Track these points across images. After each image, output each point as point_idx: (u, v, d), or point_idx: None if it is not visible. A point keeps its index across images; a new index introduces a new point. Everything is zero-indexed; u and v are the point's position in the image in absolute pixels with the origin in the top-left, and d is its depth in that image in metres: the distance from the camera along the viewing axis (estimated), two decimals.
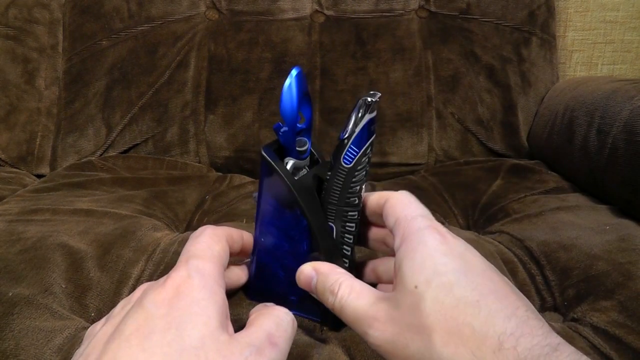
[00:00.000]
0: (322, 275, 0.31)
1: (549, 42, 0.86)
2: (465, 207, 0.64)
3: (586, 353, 0.36)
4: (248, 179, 0.78)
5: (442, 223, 0.59)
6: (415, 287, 0.26)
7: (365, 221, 0.36)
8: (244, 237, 0.36)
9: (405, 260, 0.27)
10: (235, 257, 0.36)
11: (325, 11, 0.84)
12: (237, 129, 0.82)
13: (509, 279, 0.44)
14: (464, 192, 0.68)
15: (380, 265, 0.36)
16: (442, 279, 0.25)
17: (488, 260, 0.28)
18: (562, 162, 0.70)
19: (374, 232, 0.36)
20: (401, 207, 0.31)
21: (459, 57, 0.83)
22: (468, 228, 0.61)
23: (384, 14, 0.84)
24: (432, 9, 0.84)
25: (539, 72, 0.85)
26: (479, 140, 0.83)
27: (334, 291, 0.29)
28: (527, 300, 0.26)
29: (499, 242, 0.51)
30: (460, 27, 0.83)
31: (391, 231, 0.31)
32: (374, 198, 0.34)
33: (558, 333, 0.26)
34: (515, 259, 0.47)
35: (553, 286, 0.44)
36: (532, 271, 0.46)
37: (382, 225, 0.34)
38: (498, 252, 0.48)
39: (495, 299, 0.24)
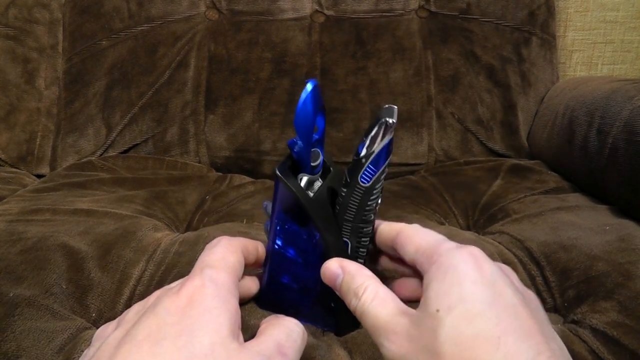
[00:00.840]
0: (348, 275, 0.30)
1: (549, 42, 0.86)
2: (465, 207, 0.64)
3: (584, 358, 0.36)
4: (248, 179, 0.78)
5: (442, 224, 0.60)
6: (437, 310, 0.25)
7: (376, 249, 0.35)
8: (259, 248, 0.36)
9: (433, 283, 0.27)
10: (248, 269, 0.36)
11: (325, 11, 0.84)
12: (237, 129, 0.82)
13: None
14: (464, 192, 0.68)
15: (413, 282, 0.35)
16: (466, 307, 0.25)
17: None
18: (562, 162, 0.70)
19: (385, 260, 0.36)
20: (419, 236, 0.30)
21: (459, 57, 0.83)
22: (468, 228, 0.61)
23: (384, 14, 0.84)
24: (432, 9, 0.84)
25: (539, 72, 0.85)
26: (479, 140, 0.83)
27: (358, 294, 0.29)
28: (558, 340, 0.25)
29: (499, 242, 0.51)
30: (460, 27, 0.83)
31: (411, 262, 0.30)
32: (384, 229, 0.33)
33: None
34: (515, 260, 0.47)
35: (553, 287, 0.44)
36: (532, 272, 0.46)
37: (392, 254, 0.34)
38: (498, 253, 0.48)
39: (518, 338, 0.23)
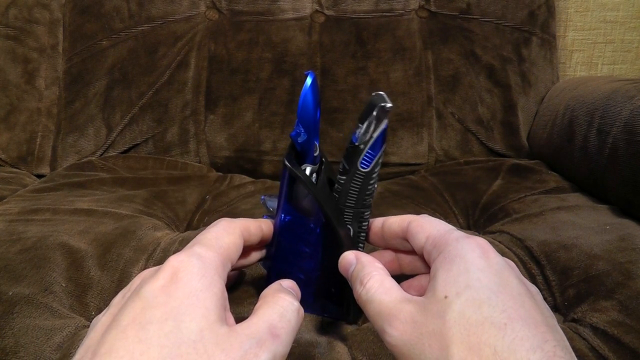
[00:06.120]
0: (360, 264, 0.31)
1: (549, 42, 0.86)
2: (465, 207, 0.64)
3: (585, 355, 0.36)
4: (248, 179, 0.78)
5: None
6: (445, 297, 0.25)
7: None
8: (263, 227, 0.35)
9: (441, 271, 0.27)
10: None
11: (326, 11, 0.84)
12: (237, 129, 0.82)
13: None
14: (464, 192, 0.68)
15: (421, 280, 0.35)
16: (472, 294, 0.25)
17: None
18: (562, 162, 0.70)
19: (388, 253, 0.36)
20: (429, 225, 0.31)
21: (459, 57, 0.83)
22: (468, 228, 0.61)
23: (384, 14, 0.84)
24: (432, 9, 0.84)
25: (539, 72, 0.85)
26: (479, 140, 0.83)
27: (363, 281, 0.29)
28: (561, 332, 0.25)
29: (500, 242, 0.51)
30: (460, 27, 0.83)
31: (420, 251, 0.31)
32: (395, 221, 0.34)
33: None
34: (516, 259, 0.47)
35: (553, 286, 0.44)
36: (533, 271, 0.46)
37: (399, 248, 0.34)
38: (499, 252, 0.48)
39: (524, 326, 0.24)
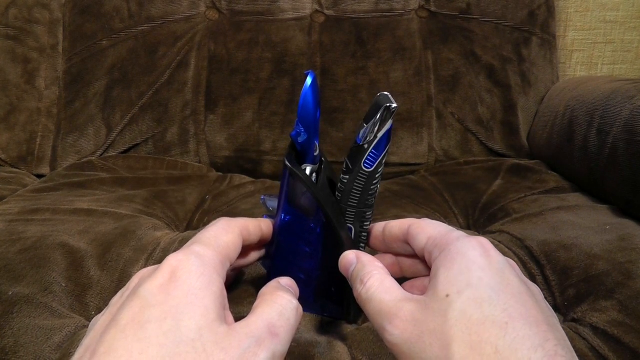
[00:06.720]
0: (360, 263, 0.31)
1: (549, 42, 0.86)
2: (465, 207, 0.64)
3: (585, 355, 0.36)
4: (248, 179, 0.78)
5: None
6: (447, 295, 0.25)
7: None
8: (263, 227, 0.35)
9: (442, 269, 0.27)
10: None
11: (326, 11, 0.84)
12: (237, 129, 0.82)
13: None
14: (464, 192, 0.68)
15: (424, 280, 0.35)
16: (474, 293, 0.25)
17: None
18: (562, 162, 0.70)
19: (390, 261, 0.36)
20: (430, 227, 0.31)
21: (459, 57, 0.83)
22: (468, 228, 0.61)
23: (384, 14, 0.84)
24: (432, 9, 0.84)
25: (539, 72, 0.85)
26: (479, 140, 0.83)
27: (363, 280, 0.29)
28: (562, 332, 0.25)
29: (500, 241, 0.51)
30: (460, 27, 0.83)
31: (421, 252, 0.31)
32: (395, 224, 0.34)
33: None
34: (516, 259, 0.47)
35: (553, 286, 0.44)
36: (533, 271, 0.46)
37: (398, 251, 0.34)
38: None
39: (525, 325, 0.24)
